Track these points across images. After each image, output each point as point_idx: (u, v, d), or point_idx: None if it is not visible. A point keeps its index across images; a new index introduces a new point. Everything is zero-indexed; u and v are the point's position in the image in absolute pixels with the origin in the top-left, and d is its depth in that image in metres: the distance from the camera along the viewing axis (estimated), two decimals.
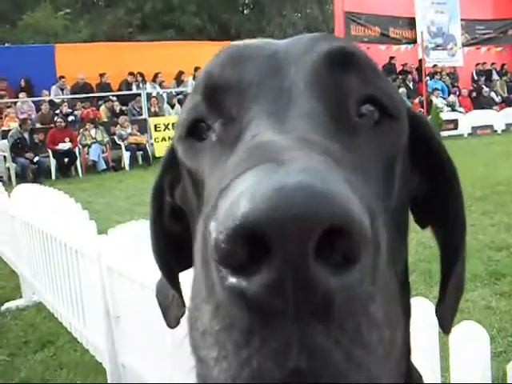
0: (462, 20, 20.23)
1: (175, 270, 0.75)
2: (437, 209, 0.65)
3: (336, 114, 0.52)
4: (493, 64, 20.68)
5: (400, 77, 17.80)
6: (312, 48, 0.57)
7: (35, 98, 14.72)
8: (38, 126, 13.87)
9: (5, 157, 12.59)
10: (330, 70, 0.54)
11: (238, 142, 0.49)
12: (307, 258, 0.34)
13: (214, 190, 0.44)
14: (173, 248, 0.73)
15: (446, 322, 0.67)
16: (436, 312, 0.66)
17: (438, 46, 19.57)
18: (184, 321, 0.43)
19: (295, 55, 0.56)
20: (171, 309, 0.77)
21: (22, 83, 14.87)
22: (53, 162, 12.87)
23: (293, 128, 0.46)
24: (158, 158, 13.95)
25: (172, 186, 0.71)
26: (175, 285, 0.75)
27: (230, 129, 0.54)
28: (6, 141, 12.65)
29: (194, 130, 0.58)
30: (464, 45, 20.47)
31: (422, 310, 1.42)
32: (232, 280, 0.35)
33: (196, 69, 16.24)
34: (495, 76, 20.36)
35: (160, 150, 14.23)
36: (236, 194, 0.36)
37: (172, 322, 0.78)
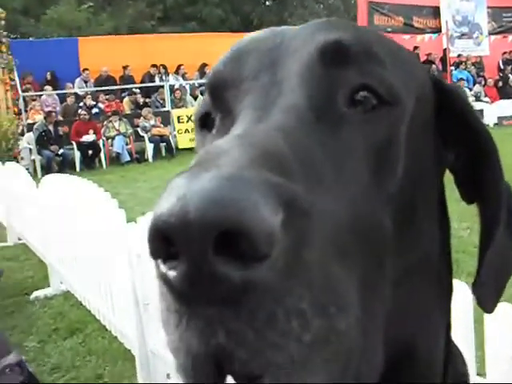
0: (488, 8, 19.84)
1: None
2: (477, 182, 0.64)
3: (322, 105, 0.53)
4: None
5: (424, 67, 17.53)
6: (311, 39, 0.58)
7: (60, 91, 14.87)
8: (62, 118, 14.02)
9: (30, 149, 12.77)
10: (321, 64, 0.55)
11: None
12: (207, 256, 0.38)
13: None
14: None
15: (486, 300, 0.63)
16: (473, 290, 0.63)
17: (463, 34, 19.23)
18: None
19: (295, 46, 0.58)
20: None
21: (48, 76, 15.03)
22: (77, 154, 13.00)
23: (261, 126, 0.50)
24: (182, 149, 14.04)
25: None
26: None
27: (226, 122, 0.58)
28: (31, 133, 12.83)
29: (205, 123, 0.63)
30: (490, 33, 20.08)
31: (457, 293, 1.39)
32: (162, 268, 0.41)
33: None
34: None
35: (183, 141, 14.30)
36: (163, 195, 0.41)
37: None
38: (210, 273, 0.38)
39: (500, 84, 18.33)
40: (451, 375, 0.65)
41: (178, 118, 14.54)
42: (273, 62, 0.57)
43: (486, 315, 1.41)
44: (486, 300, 0.64)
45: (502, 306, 1.38)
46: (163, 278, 0.41)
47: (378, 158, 0.54)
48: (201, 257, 0.38)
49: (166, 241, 0.40)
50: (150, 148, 13.65)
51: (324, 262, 0.43)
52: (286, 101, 0.53)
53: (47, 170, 11.83)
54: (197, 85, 16.31)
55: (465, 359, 0.72)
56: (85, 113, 13.35)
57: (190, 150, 13.85)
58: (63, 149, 12.93)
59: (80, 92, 15.15)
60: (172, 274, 0.40)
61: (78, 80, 15.37)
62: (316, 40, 0.57)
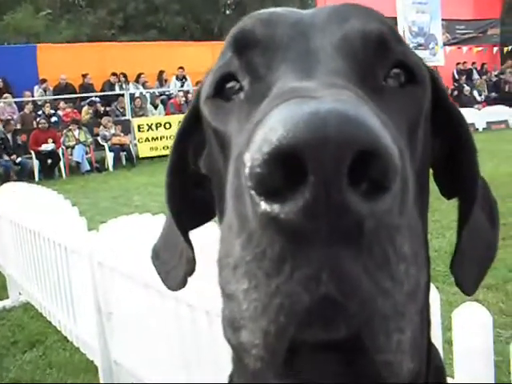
0: (442, 20, 20.42)
1: (186, 226, 0.74)
2: (455, 176, 0.67)
3: (363, 74, 0.53)
4: (473, 63, 20.93)
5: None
6: (341, 20, 0.57)
7: (18, 99, 14.56)
8: (20, 127, 13.72)
9: None
10: (360, 45, 0.55)
11: (267, 98, 0.49)
12: (341, 180, 0.35)
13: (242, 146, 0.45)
14: (187, 209, 0.73)
15: (464, 280, 0.64)
16: (451, 270, 0.64)
17: (419, 45, 19.69)
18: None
19: (322, 23, 0.58)
20: (177, 268, 0.73)
21: (0, 83, 14.64)
22: (36, 163, 12.74)
23: (321, 78, 0.48)
24: (142, 158, 13.93)
25: (196, 154, 0.70)
26: (187, 240, 0.73)
27: (258, 88, 0.54)
28: None
29: (221, 91, 0.58)
30: (445, 44, 20.68)
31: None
32: (266, 206, 0.37)
33: (180, 68, 16.24)
34: (476, 75, 20.60)
35: (144, 150, 14.19)
36: (271, 123, 0.37)
37: (177, 284, 0.73)
38: (338, 202, 0.35)
39: (455, 93, 18.85)
40: (432, 373, 0.65)
41: (139, 126, 14.42)
42: (303, 33, 0.56)
43: (453, 316, 1.45)
44: (466, 280, 0.64)
45: (469, 306, 1.42)
46: (266, 216, 0.37)
47: (410, 130, 0.56)
48: (334, 181, 0.35)
49: (284, 168, 0.36)
50: (110, 157, 13.48)
51: (413, 211, 0.42)
52: (329, 65, 0.51)
53: (5, 179, 11.50)
54: (157, 93, 16.23)
55: (441, 357, 0.74)
56: (43, 121, 13.10)
57: (151, 158, 13.76)
58: (21, 158, 12.66)
59: (39, 100, 14.87)
60: (285, 208, 0.36)
61: (36, 88, 15.08)
62: (351, 26, 0.56)
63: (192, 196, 0.73)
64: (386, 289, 0.38)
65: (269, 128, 0.37)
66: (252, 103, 0.52)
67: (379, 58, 0.55)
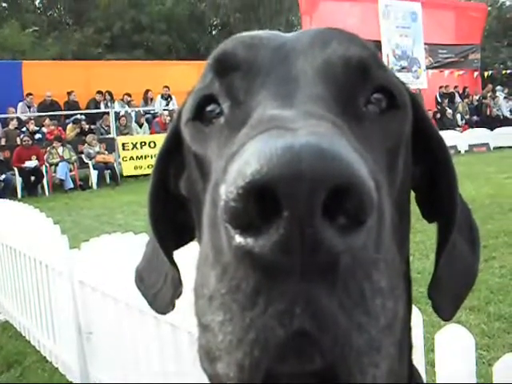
0: (425, 44, 20.82)
1: (170, 247, 0.73)
2: (437, 200, 0.67)
3: (343, 101, 0.52)
4: (455, 87, 21.29)
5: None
6: (323, 44, 0.57)
7: (1, 116, 14.46)
8: (3, 143, 13.62)
9: None
10: (341, 71, 0.55)
11: (245, 124, 0.49)
12: (315, 216, 0.35)
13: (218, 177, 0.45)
14: (169, 229, 0.72)
15: (442, 305, 0.64)
16: (429, 293, 0.63)
17: (403, 68, 20.01)
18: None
19: (304, 48, 0.57)
20: (163, 291, 0.72)
21: None
22: (19, 180, 12.62)
23: (300, 106, 0.47)
24: (126, 176, 13.87)
25: (176, 176, 0.70)
26: (171, 261, 0.72)
27: (238, 113, 0.54)
28: None
29: (201, 114, 0.58)
30: (428, 67, 21.04)
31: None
32: (240, 239, 0.36)
33: (165, 87, 16.28)
34: (457, 98, 20.93)
35: (128, 168, 14.13)
36: (246, 156, 0.37)
37: (165, 307, 0.72)
38: (313, 237, 0.35)
39: (438, 116, 19.11)
40: None
41: (123, 144, 14.39)
42: (284, 58, 0.56)
43: (436, 338, 1.45)
44: (443, 306, 0.64)
45: (451, 328, 1.42)
46: (241, 250, 0.36)
47: (391, 157, 0.55)
48: (308, 216, 0.35)
49: (258, 202, 0.35)
50: (94, 175, 13.40)
51: (390, 243, 0.42)
52: (309, 92, 0.51)
53: None
54: (142, 112, 16.24)
55: (424, 379, 0.74)
56: (27, 138, 13.01)
57: (135, 177, 13.71)
58: (4, 174, 12.53)
59: (23, 117, 14.78)
60: (259, 242, 0.35)
61: (20, 104, 15.00)
62: (332, 50, 0.56)
63: (174, 217, 0.72)
64: (361, 324, 0.38)
65: (243, 162, 0.37)
66: (231, 129, 0.52)
67: (360, 84, 0.55)
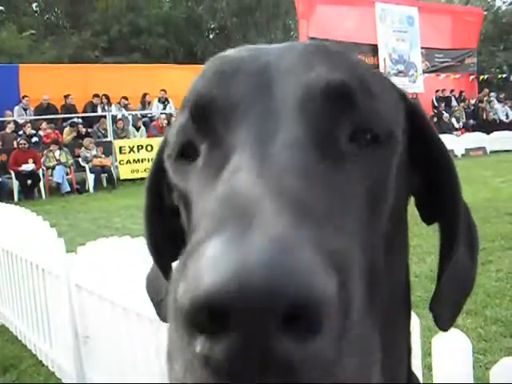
0: (422, 48, 20.88)
1: (168, 261, 0.72)
2: (437, 201, 0.66)
3: (323, 141, 0.51)
4: (452, 91, 21.36)
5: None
6: (306, 68, 0.55)
7: None
8: (0, 146, 13.60)
9: None
10: (323, 101, 0.53)
11: (222, 170, 0.49)
12: (265, 335, 0.35)
13: (198, 222, 0.46)
14: (166, 239, 0.72)
15: (443, 318, 0.64)
16: (430, 306, 0.63)
17: (399, 72, 20.05)
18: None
19: (287, 74, 0.55)
20: (166, 300, 0.72)
21: None
22: (15, 184, 12.58)
23: (273, 166, 0.46)
24: (123, 180, 13.86)
25: (169, 189, 0.68)
26: (168, 275, 0.71)
27: (216, 153, 0.53)
28: None
29: (183, 151, 0.58)
30: (425, 71, 21.10)
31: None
32: (195, 342, 0.36)
33: (162, 90, 16.29)
34: (454, 102, 20.99)
35: (125, 172, 14.13)
36: (201, 264, 0.37)
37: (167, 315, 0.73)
38: (265, 351, 0.35)
39: (434, 120, 19.16)
40: None
41: (120, 148, 14.38)
42: (264, 87, 0.54)
43: (433, 342, 1.45)
44: (443, 317, 0.64)
45: (448, 333, 1.42)
46: (196, 352, 0.36)
47: (376, 195, 0.53)
48: (261, 332, 0.35)
49: (211, 315, 0.35)
50: (91, 178, 13.38)
51: (362, 322, 0.41)
52: (288, 135, 0.49)
53: None
54: (139, 115, 16.24)
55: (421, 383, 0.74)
56: (24, 142, 12.99)
57: (132, 181, 13.70)
58: (1, 177, 12.51)
59: (20, 120, 14.76)
60: (214, 349, 0.36)
61: (17, 108, 14.98)
62: (315, 75, 0.54)
63: (170, 226, 0.71)
64: None
65: (197, 271, 0.36)
66: (211, 170, 0.52)
67: (342, 116, 0.53)
